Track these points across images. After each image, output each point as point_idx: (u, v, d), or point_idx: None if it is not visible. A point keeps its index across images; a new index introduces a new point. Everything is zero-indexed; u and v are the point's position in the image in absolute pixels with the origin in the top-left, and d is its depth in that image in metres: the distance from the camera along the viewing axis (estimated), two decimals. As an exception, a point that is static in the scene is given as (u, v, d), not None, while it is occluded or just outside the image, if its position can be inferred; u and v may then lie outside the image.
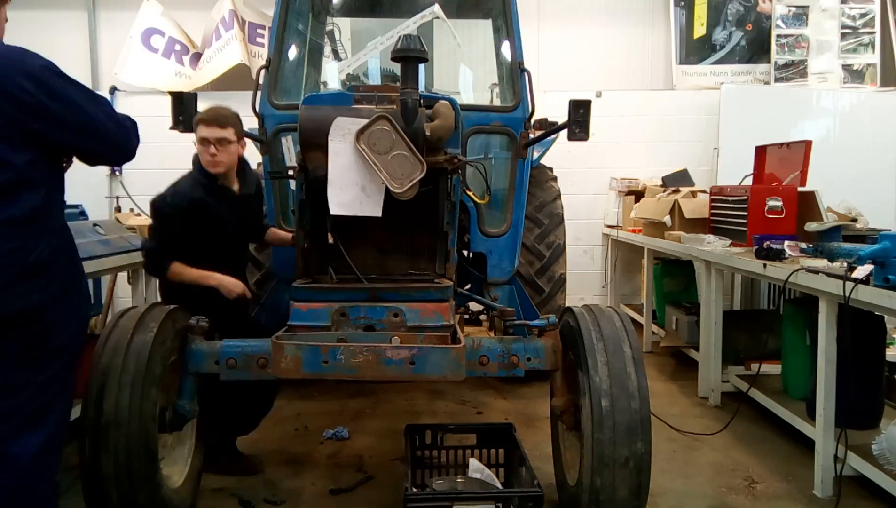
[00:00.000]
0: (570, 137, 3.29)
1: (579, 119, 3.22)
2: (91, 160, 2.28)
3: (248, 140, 3.41)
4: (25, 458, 2.13)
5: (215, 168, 3.12)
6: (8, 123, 2.00)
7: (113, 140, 2.22)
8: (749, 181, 4.76)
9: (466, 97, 5.29)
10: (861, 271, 2.77)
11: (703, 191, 5.21)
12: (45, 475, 2.21)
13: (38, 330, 2.12)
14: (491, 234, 4.01)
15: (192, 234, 3.11)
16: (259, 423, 3.49)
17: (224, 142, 3.09)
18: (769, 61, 7.01)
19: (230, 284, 3.15)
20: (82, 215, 5.00)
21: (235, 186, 3.27)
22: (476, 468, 2.86)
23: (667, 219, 5.07)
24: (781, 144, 4.68)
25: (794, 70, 6.96)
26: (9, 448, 2.10)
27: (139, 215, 4.79)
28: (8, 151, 2.02)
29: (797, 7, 6.96)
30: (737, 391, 4.29)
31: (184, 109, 3.32)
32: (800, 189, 4.20)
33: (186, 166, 3.26)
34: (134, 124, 2.31)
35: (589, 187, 7.05)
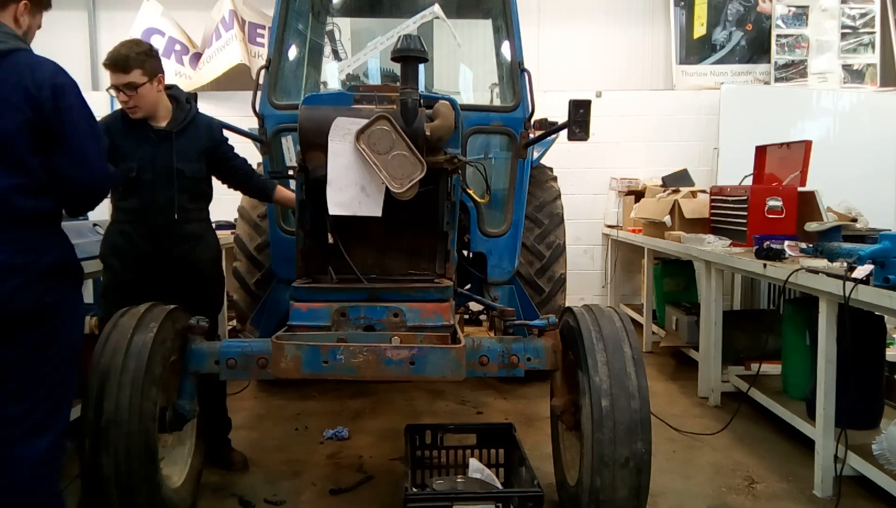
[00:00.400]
0: (570, 137, 3.29)
1: (579, 119, 3.22)
2: (69, 195, 2.24)
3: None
4: (30, 461, 2.13)
5: (133, 115, 2.93)
6: (25, 125, 2.04)
7: (91, 180, 2.21)
8: (749, 181, 4.76)
9: (466, 97, 5.29)
10: (861, 271, 2.77)
11: (703, 191, 5.21)
12: (47, 478, 2.21)
13: (47, 332, 2.13)
14: (491, 234, 4.01)
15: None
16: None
17: (132, 86, 2.85)
18: (769, 61, 7.02)
19: None
20: (82, 215, 4.99)
21: (163, 123, 3.01)
22: (476, 468, 2.86)
23: (667, 219, 5.07)
24: (781, 144, 4.68)
25: (794, 70, 6.97)
26: (15, 452, 2.10)
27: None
28: (26, 153, 2.05)
29: (797, 7, 6.97)
30: (737, 391, 4.29)
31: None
32: (800, 189, 4.20)
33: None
34: (110, 178, 2.32)
35: (589, 187, 7.05)
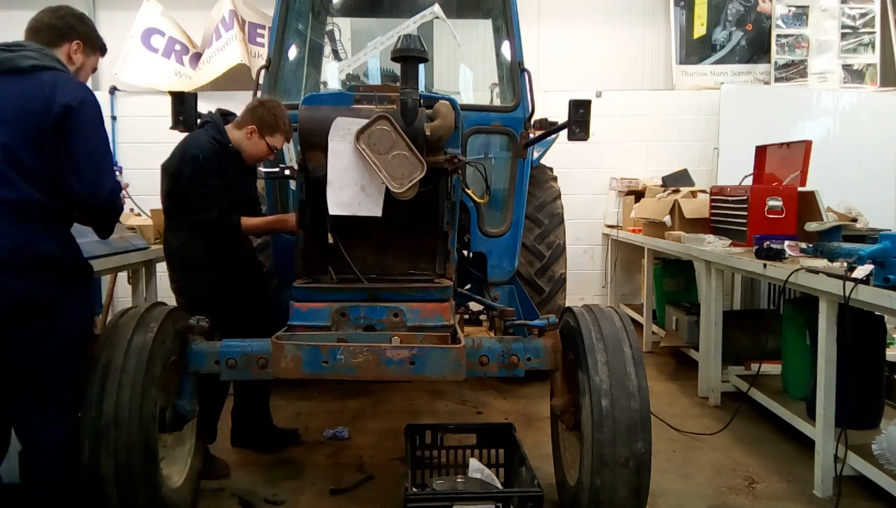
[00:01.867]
0: (570, 137, 3.29)
1: (579, 119, 3.23)
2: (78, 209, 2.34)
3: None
4: (56, 448, 2.29)
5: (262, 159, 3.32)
6: (31, 134, 2.19)
7: (90, 193, 2.28)
8: (749, 181, 4.75)
9: (466, 97, 5.29)
10: (861, 271, 2.77)
11: (703, 191, 5.21)
12: (65, 467, 2.32)
13: (43, 329, 2.22)
14: (491, 234, 4.01)
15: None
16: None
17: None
18: (769, 61, 7.01)
19: (291, 220, 3.12)
20: (82, 215, 4.98)
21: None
22: (476, 468, 2.86)
23: (667, 219, 5.07)
24: (781, 144, 4.67)
25: (794, 70, 6.96)
26: (46, 433, 2.29)
27: (139, 215, 4.78)
28: (28, 158, 2.19)
29: (797, 7, 6.97)
30: (737, 391, 4.29)
31: (184, 109, 3.32)
32: (800, 189, 4.20)
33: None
34: (112, 193, 2.35)
35: (589, 187, 7.05)
